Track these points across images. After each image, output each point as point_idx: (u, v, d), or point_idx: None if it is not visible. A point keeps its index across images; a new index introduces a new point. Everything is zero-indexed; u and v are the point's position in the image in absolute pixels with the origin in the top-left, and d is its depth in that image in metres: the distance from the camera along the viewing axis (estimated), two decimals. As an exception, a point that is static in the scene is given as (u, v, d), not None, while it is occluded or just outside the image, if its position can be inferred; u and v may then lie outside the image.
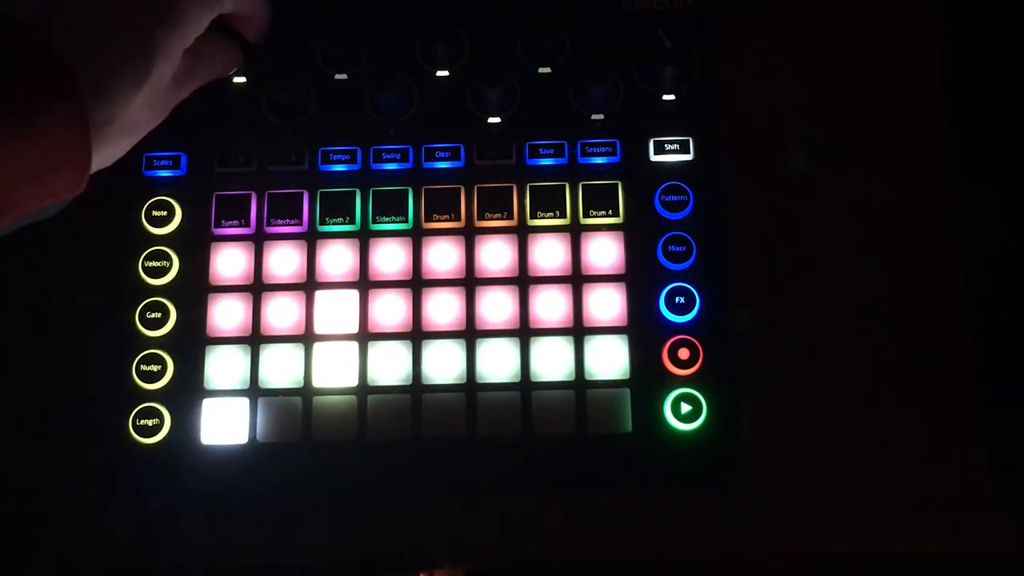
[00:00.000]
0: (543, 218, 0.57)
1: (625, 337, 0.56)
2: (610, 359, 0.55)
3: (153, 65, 0.48)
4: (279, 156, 0.59)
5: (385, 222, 0.58)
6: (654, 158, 0.58)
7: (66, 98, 0.44)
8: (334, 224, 0.58)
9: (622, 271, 0.57)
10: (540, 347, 0.56)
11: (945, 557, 0.55)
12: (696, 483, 0.55)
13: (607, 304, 0.56)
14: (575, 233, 0.57)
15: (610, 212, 0.57)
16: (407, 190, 0.58)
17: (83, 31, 0.46)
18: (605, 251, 0.57)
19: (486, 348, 0.56)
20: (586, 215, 0.57)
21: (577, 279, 0.57)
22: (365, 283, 0.57)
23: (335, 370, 0.56)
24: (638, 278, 0.56)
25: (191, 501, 0.56)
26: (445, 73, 0.60)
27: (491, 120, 0.59)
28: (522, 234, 0.57)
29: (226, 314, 0.57)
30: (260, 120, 0.59)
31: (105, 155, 0.49)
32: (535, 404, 0.55)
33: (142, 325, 0.56)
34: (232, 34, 0.58)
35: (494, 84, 0.58)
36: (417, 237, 0.58)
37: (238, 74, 0.59)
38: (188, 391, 0.56)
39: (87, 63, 0.45)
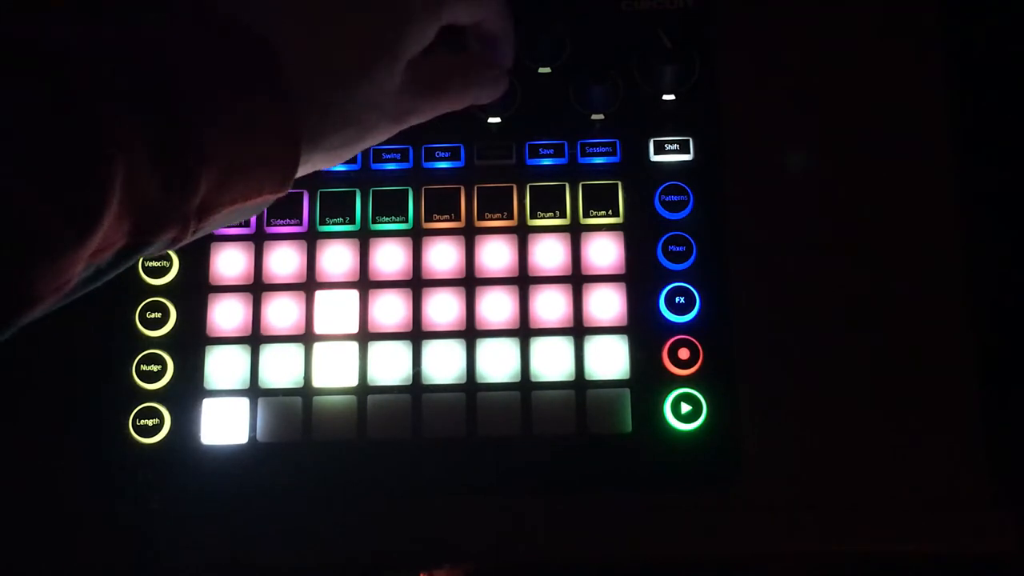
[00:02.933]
0: (543, 218, 0.57)
1: (625, 337, 0.56)
2: (610, 359, 0.55)
3: (369, 66, 0.47)
4: (279, 156, 0.59)
5: (385, 222, 0.58)
6: (654, 158, 0.58)
7: (277, 97, 0.43)
8: (334, 224, 0.58)
9: (622, 271, 0.57)
10: (540, 347, 0.56)
11: (945, 557, 0.55)
12: (696, 483, 0.55)
13: (607, 304, 0.56)
14: (575, 233, 0.57)
15: (610, 212, 0.57)
16: (407, 190, 0.58)
17: (296, 29, 0.45)
18: (605, 251, 0.57)
19: (486, 348, 0.56)
20: (586, 215, 0.57)
21: (577, 279, 0.57)
22: (365, 283, 0.57)
23: (335, 370, 0.56)
24: (638, 278, 0.56)
25: (191, 501, 0.56)
26: (445, 73, 0.60)
27: (491, 120, 0.59)
28: (522, 234, 0.57)
29: (226, 314, 0.57)
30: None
31: (324, 157, 0.49)
32: (535, 404, 0.55)
33: (142, 325, 0.56)
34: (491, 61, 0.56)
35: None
36: (417, 237, 0.58)
37: None
38: (188, 391, 0.56)
39: (299, 61, 0.44)
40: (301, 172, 0.47)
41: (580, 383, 0.55)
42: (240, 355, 0.56)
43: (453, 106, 0.54)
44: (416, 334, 0.56)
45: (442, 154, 0.58)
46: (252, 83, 0.43)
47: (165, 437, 0.55)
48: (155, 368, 0.56)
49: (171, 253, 0.57)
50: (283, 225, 0.58)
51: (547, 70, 0.59)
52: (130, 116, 0.38)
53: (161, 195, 0.39)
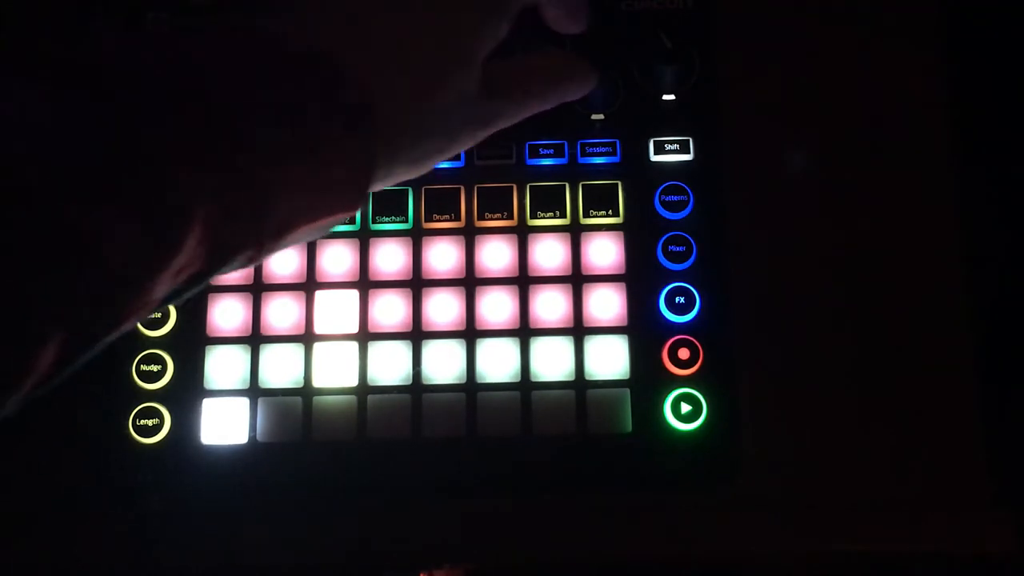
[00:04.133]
0: (543, 218, 0.57)
1: (625, 337, 0.56)
2: (610, 359, 0.55)
3: (444, 73, 0.46)
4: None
5: (385, 222, 0.58)
6: (654, 158, 0.58)
7: (347, 119, 0.42)
8: (334, 224, 0.58)
9: (622, 271, 0.57)
10: (540, 347, 0.56)
11: (945, 557, 0.55)
12: (696, 483, 0.55)
13: (607, 304, 0.56)
14: (575, 233, 0.57)
15: (610, 212, 0.57)
16: (407, 190, 0.58)
17: (364, 47, 0.44)
18: (605, 251, 0.57)
19: (486, 348, 0.56)
20: (586, 215, 0.57)
21: (577, 279, 0.57)
22: (365, 283, 0.57)
23: (335, 370, 0.56)
24: (638, 278, 0.56)
25: (191, 501, 0.56)
26: (445, 73, 0.60)
27: (491, 120, 0.59)
28: (522, 234, 0.57)
29: (226, 314, 0.57)
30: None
31: (407, 169, 0.48)
32: (535, 404, 0.55)
33: (142, 325, 0.56)
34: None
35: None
36: (417, 237, 0.58)
37: None
38: (188, 391, 0.56)
39: (370, 79, 0.43)
40: (383, 185, 0.46)
41: (580, 383, 0.55)
42: (240, 355, 0.56)
43: (543, 105, 0.52)
44: (416, 334, 0.56)
45: (442, 154, 0.58)
46: (321, 107, 0.42)
47: (165, 437, 0.55)
48: (155, 368, 0.56)
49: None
50: (283, 225, 0.58)
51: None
52: (207, 140, 0.38)
53: (238, 218, 0.39)
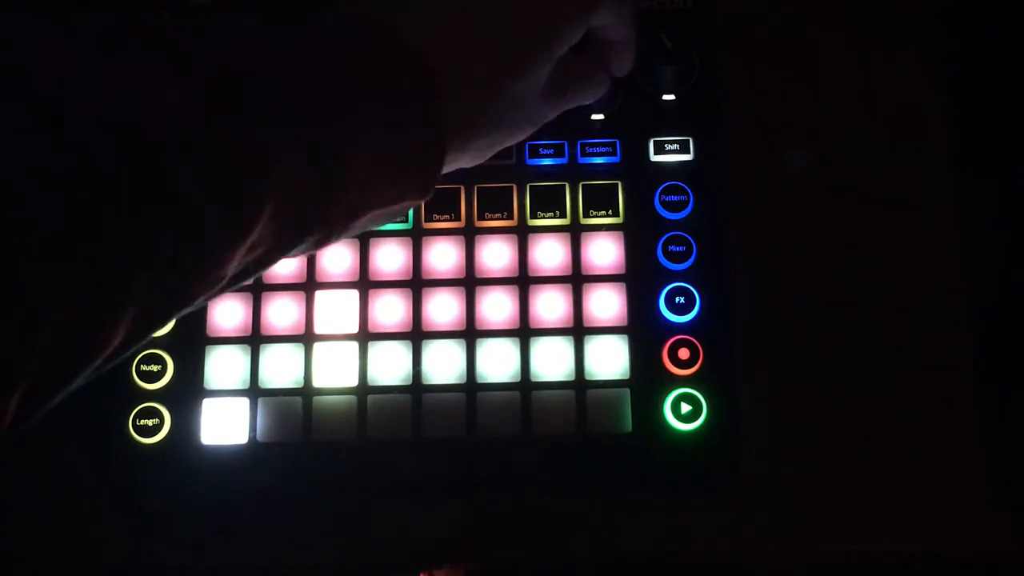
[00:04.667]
0: (543, 218, 0.57)
1: (625, 337, 0.56)
2: (610, 359, 0.55)
3: (522, 70, 0.47)
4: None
5: (385, 222, 0.58)
6: (654, 158, 0.58)
7: (426, 108, 0.43)
8: (334, 224, 0.58)
9: (622, 271, 0.57)
10: (540, 347, 0.56)
11: (945, 557, 0.55)
12: (696, 483, 0.55)
13: (607, 304, 0.56)
14: (575, 233, 0.57)
15: (610, 212, 0.57)
16: (407, 190, 0.58)
17: (449, 38, 0.45)
18: (605, 251, 0.57)
19: (486, 348, 0.56)
20: (586, 215, 0.57)
21: (577, 279, 0.57)
22: (365, 283, 0.57)
23: (335, 370, 0.56)
24: (638, 278, 0.56)
25: (191, 501, 0.56)
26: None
27: (491, 120, 0.59)
28: (522, 234, 0.57)
29: (226, 314, 0.57)
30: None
31: (470, 157, 0.49)
32: (535, 404, 0.55)
33: (142, 325, 0.56)
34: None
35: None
36: (417, 237, 0.58)
37: None
38: (188, 391, 0.56)
39: (451, 70, 0.44)
40: (445, 171, 0.47)
41: (580, 383, 0.55)
42: (240, 355, 0.56)
43: (573, 105, 0.54)
44: (416, 334, 0.56)
45: (442, 154, 0.58)
46: (402, 94, 0.43)
47: (165, 437, 0.55)
48: (155, 368, 0.56)
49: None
50: (283, 225, 0.58)
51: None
52: (285, 121, 0.38)
53: (311, 198, 0.40)
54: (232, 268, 0.39)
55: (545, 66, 0.48)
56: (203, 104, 0.36)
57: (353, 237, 0.46)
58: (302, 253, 0.43)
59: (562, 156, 0.58)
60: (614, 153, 0.58)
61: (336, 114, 0.40)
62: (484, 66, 0.46)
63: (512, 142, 0.51)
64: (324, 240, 0.43)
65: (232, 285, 0.41)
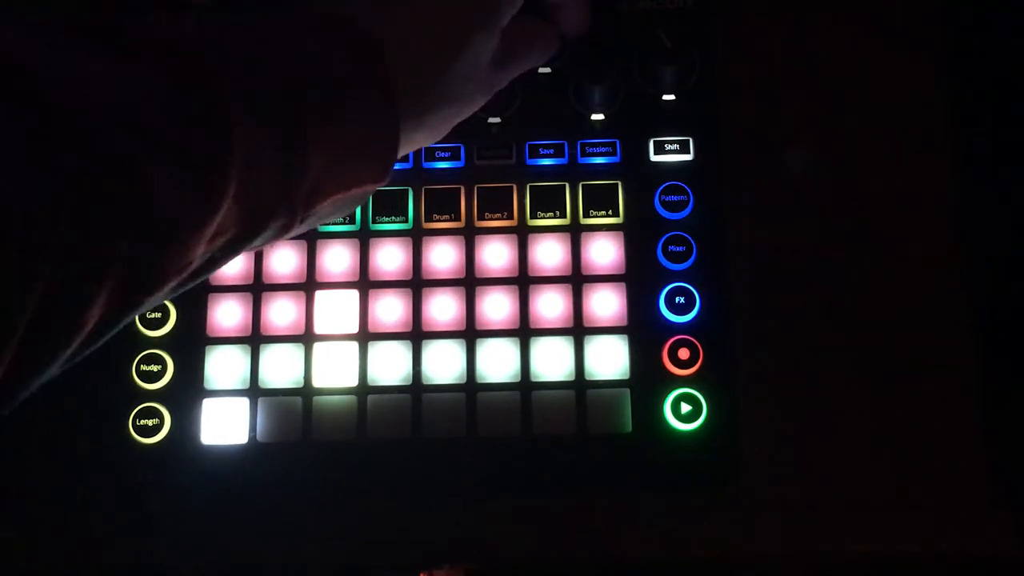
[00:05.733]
0: (543, 218, 0.57)
1: (625, 337, 0.56)
2: (610, 359, 0.55)
3: (467, 43, 0.48)
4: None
5: (385, 222, 0.58)
6: (654, 158, 0.58)
7: (379, 86, 0.44)
8: (334, 224, 0.58)
9: (622, 271, 0.57)
10: (540, 347, 0.56)
11: (945, 557, 0.55)
12: (696, 483, 0.55)
13: (607, 304, 0.56)
14: (575, 233, 0.57)
15: (610, 212, 0.57)
16: (407, 190, 0.58)
17: (397, 16, 0.46)
18: (605, 251, 0.57)
19: (486, 348, 0.56)
20: (586, 215, 0.57)
21: (577, 279, 0.57)
22: (365, 283, 0.57)
23: (335, 370, 0.56)
24: (638, 278, 0.56)
25: (191, 501, 0.56)
26: (445, 73, 0.60)
27: (491, 120, 0.59)
28: (522, 234, 0.57)
29: (226, 314, 0.57)
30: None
31: (424, 136, 0.50)
32: (535, 404, 0.55)
33: (142, 325, 0.56)
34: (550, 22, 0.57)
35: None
36: (417, 237, 0.58)
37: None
38: (188, 391, 0.56)
39: (399, 48, 0.45)
40: (403, 152, 0.48)
41: (580, 383, 0.55)
42: (240, 355, 0.56)
43: (522, 69, 0.55)
44: (416, 334, 0.56)
45: (442, 154, 0.58)
46: (355, 73, 0.44)
47: (165, 437, 0.55)
48: (155, 368, 0.56)
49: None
50: (283, 225, 0.58)
51: (547, 70, 0.59)
52: (245, 102, 0.39)
53: (272, 179, 0.41)
54: (199, 254, 0.39)
55: (487, 37, 0.49)
56: (163, 86, 0.37)
57: (316, 226, 0.46)
58: (268, 241, 0.44)
59: (562, 156, 0.58)
60: (614, 153, 0.58)
61: (295, 98, 0.41)
62: (430, 44, 0.47)
63: (466, 114, 0.52)
64: (288, 226, 0.43)
65: (203, 274, 0.41)
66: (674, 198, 0.57)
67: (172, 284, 0.39)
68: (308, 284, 0.57)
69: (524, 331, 0.56)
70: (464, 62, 0.48)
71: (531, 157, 0.58)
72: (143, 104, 0.36)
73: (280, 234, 0.43)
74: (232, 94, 0.39)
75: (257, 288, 0.57)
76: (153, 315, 0.56)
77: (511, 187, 0.58)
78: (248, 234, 0.41)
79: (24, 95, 0.33)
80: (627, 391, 0.55)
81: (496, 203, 0.58)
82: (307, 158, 0.42)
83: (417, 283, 0.57)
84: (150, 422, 0.55)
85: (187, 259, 0.38)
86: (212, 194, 0.38)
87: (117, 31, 0.37)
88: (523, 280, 0.57)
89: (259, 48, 0.41)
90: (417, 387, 0.55)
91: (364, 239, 0.58)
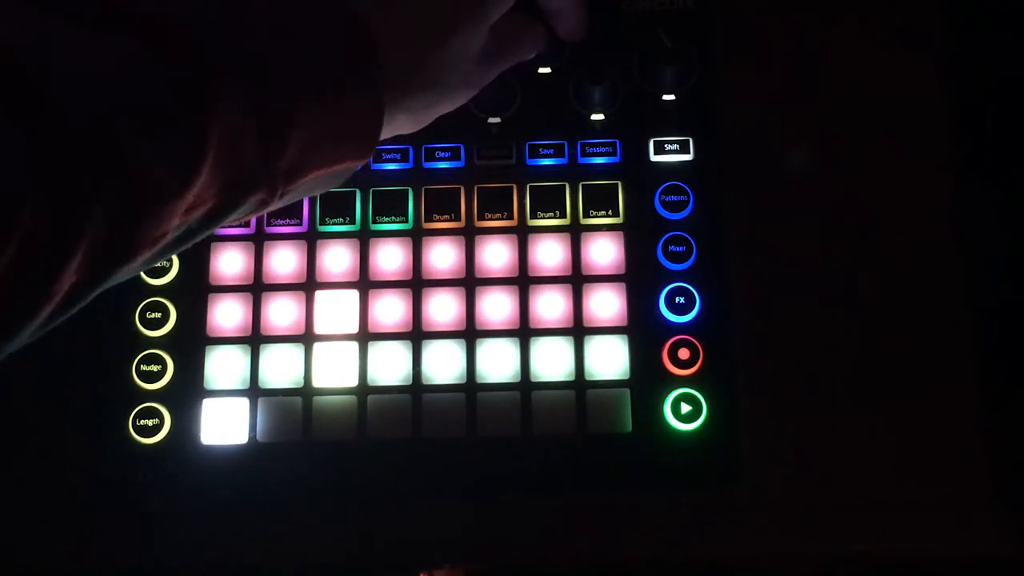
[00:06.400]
0: (543, 218, 0.57)
1: (625, 337, 0.56)
2: (610, 359, 0.55)
3: (455, 30, 0.49)
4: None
5: (385, 222, 0.58)
6: (654, 158, 0.58)
7: (364, 65, 0.45)
8: (334, 224, 0.58)
9: (622, 271, 0.57)
10: (540, 347, 0.56)
11: (945, 557, 0.55)
12: (696, 483, 0.55)
13: (607, 304, 0.56)
14: (575, 233, 0.57)
15: (610, 212, 0.57)
16: (407, 190, 0.58)
17: (386, 5, 0.46)
18: (605, 251, 0.57)
19: (486, 348, 0.56)
20: (586, 215, 0.57)
21: (577, 279, 0.57)
22: (365, 283, 0.57)
23: (335, 370, 0.56)
24: (638, 278, 0.56)
25: (191, 501, 0.56)
26: (445, 73, 0.60)
27: (491, 120, 0.59)
28: (522, 234, 0.57)
29: (226, 314, 0.57)
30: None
31: (406, 121, 0.50)
32: (535, 404, 0.55)
33: (142, 325, 0.56)
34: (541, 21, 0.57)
35: (494, 84, 0.58)
36: (417, 237, 0.58)
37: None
38: (188, 391, 0.56)
39: (387, 30, 0.46)
40: (384, 135, 0.48)
41: (580, 383, 0.55)
42: (240, 355, 0.56)
43: (508, 64, 0.56)
44: (416, 334, 0.56)
45: (442, 154, 0.58)
46: (341, 51, 0.44)
47: (165, 437, 0.55)
48: (155, 368, 0.56)
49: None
50: (283, 225, 0.58)
51: (547, 70, 0.59)
52: (227, 74, 0.39)
53: (252, 153, 0.41)
54: (175, 224, 0.39)
55: (474, 30, 0.50)
56: (143, 55, 0.37)
57: (297, 200, 0.47)
58: (246, 215, 0.43)
59: (562, 156, 0.58)
60: (614, 153, 0.58)
61: (279, 70, 0.41)
62: (417, 31, 0.47)
63: (451, 106, 0.53)
64: (267, 200, 0.43)
65: (178, 246, 0.41)
66: (674, 198, 0.57)
67: (145, 256, 0.39)
68: (308, 284, 0.57)
69: (524, 331, 0.56)
70: (450, 52, 0.49)
71: (531, 157, 0.58)
72: (121, 73, 0.36)
73: (259, 208, 0.43)
74: (214, 68, 0.39)
75: (257, 288, 0.57)
76: (153, 315, 0.56)
77: (511, 187, 0.58)
78: (226, 207, 0.41)
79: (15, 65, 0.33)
80: (627, 391, 0.55)
81: (496, 203, 0.58)
82: (289, 133, 0.42)
83: (417, 283, 0.57)
84: (150, 422, 0.55)
85: (162, 229, 0.38)
86: (189, 164, 0.38)
87: (100, 2, 0.37)
88: (523, 280, 0.57)
89: (244, 24, 0.41)
90: (417, 387, 0.55)
91: (364, 239, 0.58)
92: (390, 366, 0.56)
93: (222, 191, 0.40)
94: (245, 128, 0.40)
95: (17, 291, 0.34)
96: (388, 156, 0.59)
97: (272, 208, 0.44)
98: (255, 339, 0.56)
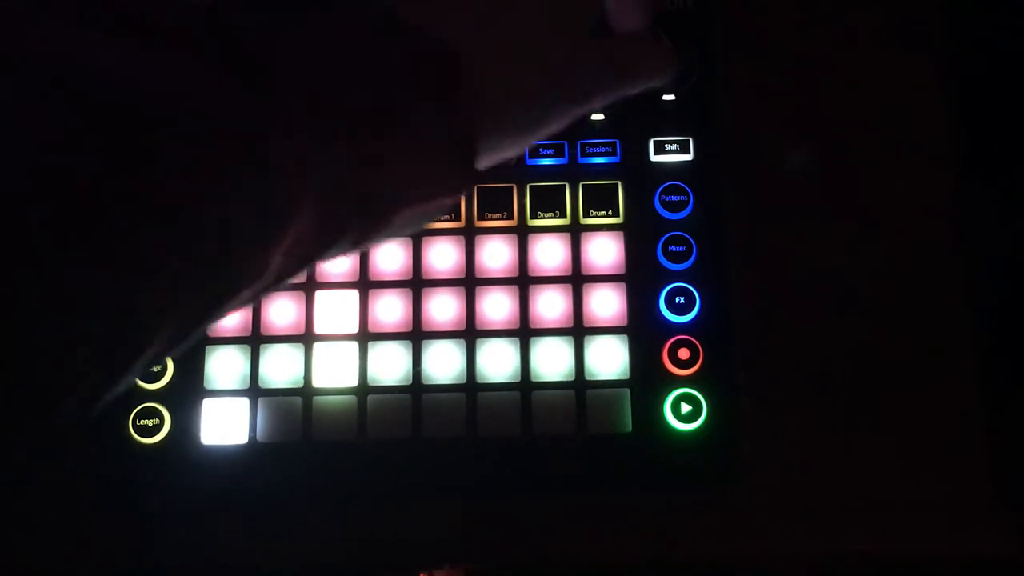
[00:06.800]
0: (543, 218, 0.57)
1: (625, 337, 0.56)
2: (610, 359, 0.55)
3: (549, 52, 0.45)
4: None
5: (385, 222, 0.58)
6: (654, 158, 0.58)
7: (454, 96, 0.42)
8: (334, 224, 0.58)
9: (622, 271, 0.57)
10: (540, 347, 0.56)
11: (945, 557, 0.55)
12: (696, 483, 0.55)
13: (607, 304, 0.56)
14: (575, 233, 0.57)
15: (610, 212, 0.57)
16: (407, 190, 0.58)
17: (474, 31, 0.44)
18: (605, 251, 0.57)
19: (486, 348, 0.56)
20: (586, 215, 0.57)
21: (577, 279, 0.57)
22: (365, 283, 0.57)
23: (335, 370, 0.56)
24: (638, 278, 0.57)
25: (191, 501, 0.56)
26: (445, 73, 0.60)
27: (491, 120, 0.59)
28: (522, 234, 0.58)
29: (226, 314, 0.57)
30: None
31: (510, 144, 0.47)
32: (535, 404, 0.55)
33: (142, 325, 0.56)
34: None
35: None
36: (417, 237, 0.58)
37: None
38: (188, 391, 0.56)
39: (478, 62, 0.43)
40: (486, 164, 0.46)
41: (580, 383, 0.55)
42: (240, 355, 0.56)
43: (631, 88, 0.51)
44: (416, 334, 0.56)
45: (442, 154, 0.58)
46: (435, 91, 0.42)
47: (165, 437, 0.55)
48: (155, 368, 0.56)
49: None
50: (283, 225, 0.58)
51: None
52: (325, 113, 0.38)
53: (347, 197, 0.40)
54: (272, 268, 0.38)
55: (572, 40, 0.46)
56: (243, 95, 0.36)
57: (392, 238, 0.46)
58: (339, 254, 0.43)
59: (562, 156, 0.58)
60: (614, 153, 0.58)
61: (375, 115, 0.40)
62: (508, 44, 0.44)
63: (555, 126, 0.48)
64: (361, 240, 0.42)
65: (271, 288, 0.40)
66: (674, 198, 0.57)
67: (245, 296, 0.39)
68: (308, 284, 0.57)
69: (524, 331, 0.56)
70: (545, 66, 0.46)
71: (531, 157, 0.58)
72: (215, 112, 0.35)
73: (352, 248, 0.42)
74: (306, 110, 0.38)
75: (257, 288, 0.57)
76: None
77: (511, 187, 0.58)
78: (321, 249, 0.40)
79: (81, 94, 0.32)
80: (627, 391, 0.55)
81: (496, 203, 0.58)
82: (382, 174, 0.41)
83: (417, 283, 0.57)
84: (150, 422, 0.55)
85: (259, 270, 0.38)
86: (286, 211, 0.37)
87: (187, 29, 0.36)
88: (523, 280, 0.57)
89: (335, 61, 0.40)
90: (417, 387, 0.55)
91: (364, 239, 0.58)
92: (390, 366, 0.56)
93: (318, 233, 0.39)
94: (341, 170, 0.39)
95: (123, 337, 0.33)
96: (388, 156, 0.58)
97: (366, 246, 0.43)
98: (255, 339, 0.56)
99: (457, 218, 0.58)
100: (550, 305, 0.56)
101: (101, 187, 0.31)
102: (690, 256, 0.56)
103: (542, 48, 0.46)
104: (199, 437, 0.55)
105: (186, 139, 0.34)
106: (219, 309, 0.37)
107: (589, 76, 0.48)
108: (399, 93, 0.41)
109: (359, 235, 0.42)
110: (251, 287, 0.38)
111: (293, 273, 0.40)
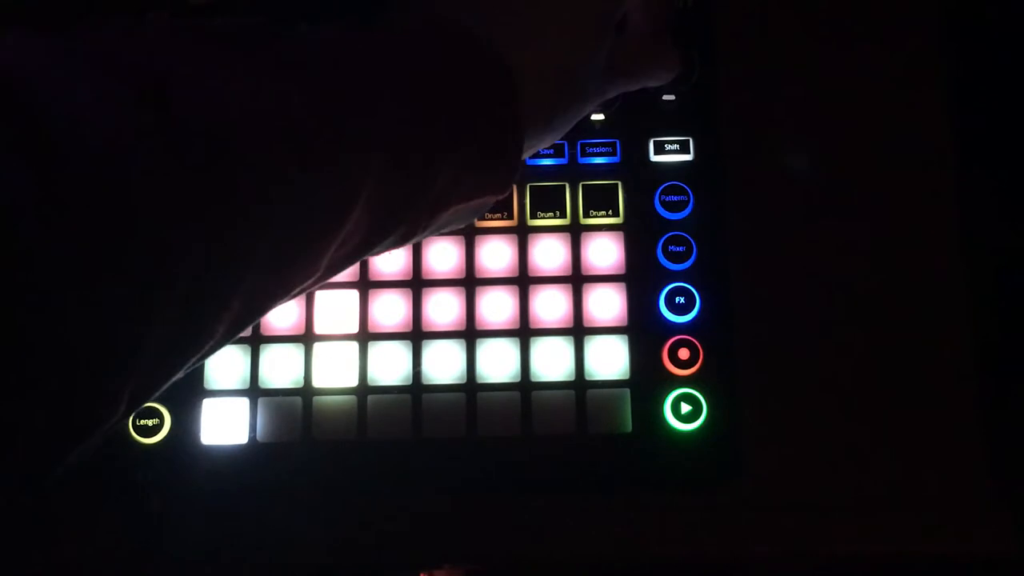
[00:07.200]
0: (543, 218, 0.57)
1: (625, 337, 0.56)
2: (610, 359, 0.55)
3: (588, 48, 0.48)
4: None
5: (385, 222, 0.58)
6: (654, 158, 0.58)
7: (504, 101, 0.44)
8: (334, 224, 0.58)
9: (622, 271, 0.57)
10: (540, 347, 0.56)
11: (945, 557, 0.55)
12: (696, 483, 0.55)
13: (607, 304, 0.56)
14: (575, 233, 0.57)
15: (610, 212, 0.57)
16: (407, 190, 0.58)
17: (513, 16, 0.46)
18: (605, 251, 0.57)
19: (486, 348, 0.56)
20: (586, 215, 0.57)
21: (577, 279, 0.57)
22: (365, 283, 0.57)
23: (335, 370, 0.56)
24: (638, 278, 0.56)
25: (191, 501, 0.56)
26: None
27: (491, 120, 0.59)
28: (522, 234, 0.57)
29: (226, 314, 0.57)
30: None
31: (538, 143, 0.49)
32: (535, 404, 0.55)
33: (142, 325, 0.56)
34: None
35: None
36: (417, 237, 0.58)
37: None
38: (188, 391, 0.56)
39: (526, 64, 0.45)
40: (527, 155, 0.47)
41: (580, 383, 0.55)
42: (240, 355, 0.56)
43: (639, 85, 0.54)
44: (416, 334, 0.56)
45: (442, 154, 0.58)
46: (483, 94, 0.44)
47: (165, 437, 0.55)
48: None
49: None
50: (283, 225, 0.58)
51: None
52: (379, 114, 0.40)
53: (399, 195, 0.41)
54: (325, 260, 0.40)
55: (606, 37, 0.49)
56: (305, 100, 0.37)
57: (435, 234, 0.47)
58: (385, 250, 0.44)
59: (562, 156, 0.58)
60: (614, 153, 0.58)
61: (425, 114, 0.41)
62: (548, 43, 0.46)
63: (581, 116, 0.51)
64: (408, 235, 0.43)
65: (321, 280, 0.42)
66: (674, 198, 0.57)
67: (295, 293, 0.40)
68: (308, 284, 0.57)
69: (524, 331, 0.56)
70: (584, 63, 0.48)
71: (531, 157, 0.58)
72: (284, 118, 0.36)
73: (399, 243, 0.44)
74: (366, 114, 0.39)
75: (257, 288, 0.57)
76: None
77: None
78: (370, 243, 0.42)
79: (162, 105, 0.33)
80: (627, 391, 0.55)
81: (496, 203, 0.58)
82: (434, 173, 0.42)
83: (417, 283, 0.57)
84: (150, 422, 0.55)
85: (314, 267, 0.39)
86: (346, 204, 0.38)
87: (256, 40, 0.38)
88: (523, 280, 0.57)
89: (384, 63, 0.41)
90: (417, 387, 0.55)
91: (364, 239, 0.58)
92: (390, 366, 0.56)
93: (370, 228, 0.41)
94: (395, 169, 0.40)
95: (180, 338, 0.34)
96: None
97: (413, 242, 0.45)
98: (255, 339, 0.56)
99: (457, 218, 0.58)
100: (550, 305, 0.56)
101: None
102: (690, 256, 0.56)
103: (581, 51, 0.47)
104: (199, 437, 0.55)
105: (269, 145, 0.35)
106: (273, 301, 0.39)
107: (606, 78, 0.50)
108: (454, 106, 0.42)
109: (406, 232, 0.43)
110: (300, 284, 0.39)
111: (338, 269, 0.42)
